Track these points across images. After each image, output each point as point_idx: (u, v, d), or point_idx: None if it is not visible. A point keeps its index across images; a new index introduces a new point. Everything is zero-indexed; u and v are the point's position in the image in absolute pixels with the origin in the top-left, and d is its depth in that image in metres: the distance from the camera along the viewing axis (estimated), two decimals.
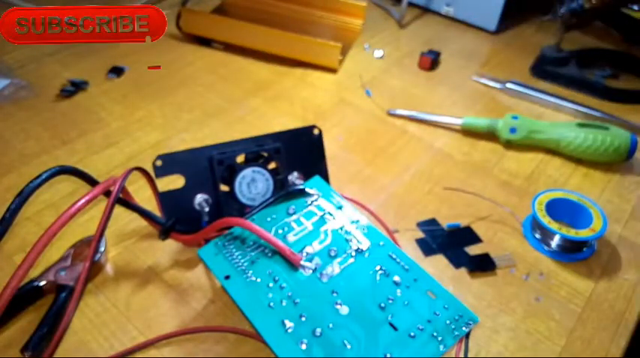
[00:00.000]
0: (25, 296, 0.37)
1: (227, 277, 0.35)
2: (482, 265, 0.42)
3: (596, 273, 0.42)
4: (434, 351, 0.34)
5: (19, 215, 0.30)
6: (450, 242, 0.44)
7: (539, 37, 0.76)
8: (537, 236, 0.45)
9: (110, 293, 0.39)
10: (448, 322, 0.35)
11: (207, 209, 0.41)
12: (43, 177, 0.30)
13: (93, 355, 0.35)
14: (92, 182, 0.35)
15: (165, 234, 0.39)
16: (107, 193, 0.34)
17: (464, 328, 0.35)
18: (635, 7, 0.71)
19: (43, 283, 0.38)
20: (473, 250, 0.44)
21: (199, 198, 0.41)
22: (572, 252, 0.44)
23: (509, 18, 0.76)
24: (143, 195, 0.42)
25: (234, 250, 0.37)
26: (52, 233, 0.29)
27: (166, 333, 0.36)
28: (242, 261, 0.36)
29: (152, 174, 0.40)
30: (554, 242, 0.44)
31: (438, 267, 0.42)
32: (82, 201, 0.32)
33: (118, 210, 0.36)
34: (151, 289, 0.40)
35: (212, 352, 0.36)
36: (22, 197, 0.29)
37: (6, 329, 0.36)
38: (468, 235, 0.45)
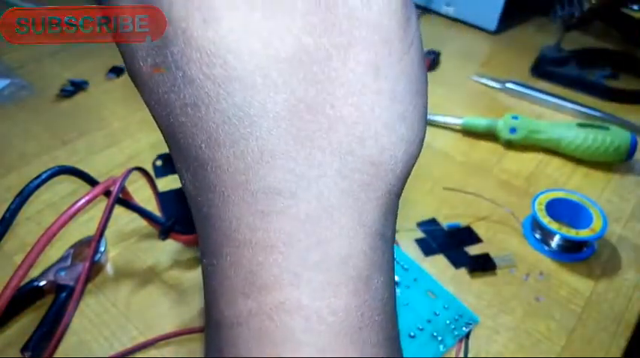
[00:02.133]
0: (26, 296, 0.37)
1: None
2: (483, 265, 0.42)
3: (596, 273, 0.42)
4: (434, 351, 0.34)
5: (19, 215, 0.30)
6: (450, 242, 0.44)
7: (539, 37, 0.76)
8: (537, 236, 0.45)
9: (110, 293, 0.39)
10: (448, 322, 0.35)
11: None
12: (43, 177, 0.30)
13: (93, 355, 0.35)
14: (92, 182, 0.35)
15: (165, 234, 0.39)
16: (107, 193, 0.34)
17: (464, 328, 0.35)
18: (635, 7, 0.71)
19: (43, 283, 0.38)
20: (473, 250, 0.44)
21: None
22: (572, 252, 0.44)
23: (509, 18, 0.76)
24: (143, 195, 0.42)
25: None
26: (52, 233, 0.29)
27: (166, 333, 0.36)
28: None
29: (152, 174, 0.40)
30: (554, 242, 0.44)
31: (438, 267, 0.42)
32: (82, 201, 0.32)
33: (118, 210, 0.36)
34: (150, 289, 0.40)
35: None
36: (22, 197, 0.29)
37: (6, 328, 0.36)
38: (468, 235, 0.45)
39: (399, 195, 0.16)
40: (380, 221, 0.15)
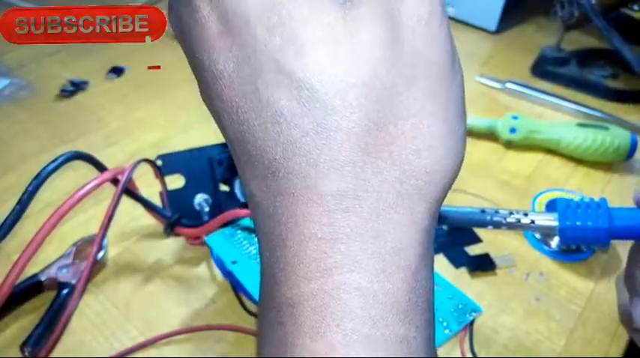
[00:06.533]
0: (26, 289, 0.37)
1: (234, 262, 0.36)
2: (483, 265, 0.42)
3: (596, 273, 0.42)
4: (440, 334, 0.34)
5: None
6: (450, 242, 0.44)
7: (539, 37, 0.76)
8: (537, 236, 0.45)
9: (110, 292, 0.39)
10: (452, 310, 0.36)
11: (207, 209, 0.41)
12: (59, 161, 0.31)
13: (93, 355, 0.35)
14: (102, 169, 0.35)
15: (170, 227, 0.39)
16: (114, 182, 0.35)
17: (468, 316, 0.36)
18: (635, 7, 0.71)
19: (44, 278, 0.38)
20: (473, 250, 0.44)
21: (199, 198, 0.41)
22: (572, 252, 0.44)
23: (510, 18, 0.76)
24: (146, 193, 0.42)
25: (241, 238, 0.37)
26: (62, 212, 0.30)
27: (166, 333, 0.36)
28: (250, 247, 0.37)
29: (153, 173, 0.40)
30: (554, 242, 0.44)
31: (438, 266, 0.42)
32: (91, 184, 0.32)
33: (119, 210, 0.36)
34: (151, 289, 0.40)
35: (212, 352, 0.36)
36: (39, 179, 0.30)
37: (7, 327, 0.36)
38: (468, 235, 0.45)
39: (441, 202, 0.18)
40: (428, 221, 0.17)
